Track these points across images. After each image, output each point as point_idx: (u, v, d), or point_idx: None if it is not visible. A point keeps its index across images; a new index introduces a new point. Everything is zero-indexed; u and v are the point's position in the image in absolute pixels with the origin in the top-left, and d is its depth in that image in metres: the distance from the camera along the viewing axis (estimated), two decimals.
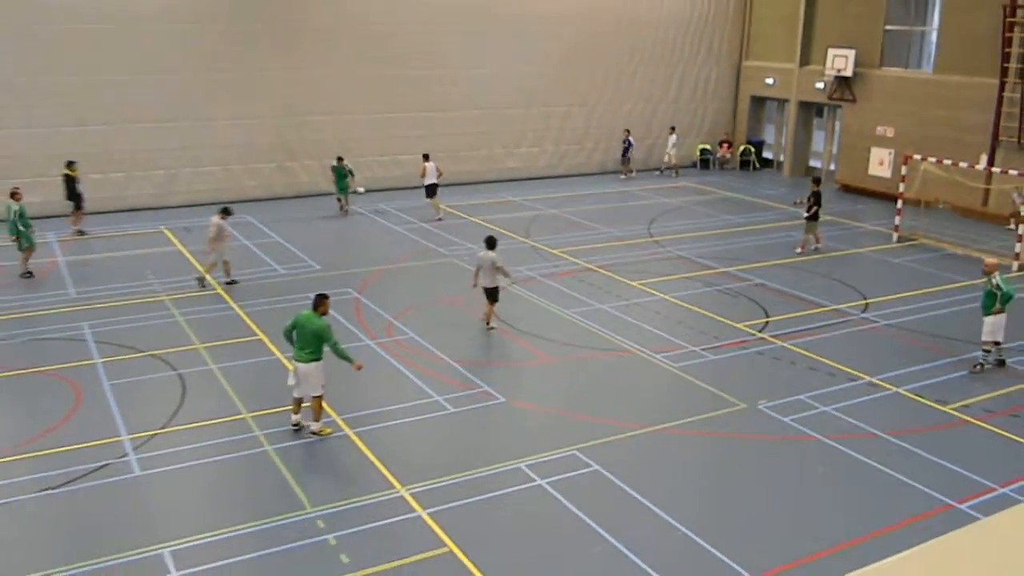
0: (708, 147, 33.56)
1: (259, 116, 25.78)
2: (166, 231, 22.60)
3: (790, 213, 24.58)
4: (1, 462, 11.10)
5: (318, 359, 11.66)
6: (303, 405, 11.95)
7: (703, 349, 15.19)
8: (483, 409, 12.84)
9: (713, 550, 9.47)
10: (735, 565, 9.19)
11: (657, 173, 31.50)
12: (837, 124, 30.90)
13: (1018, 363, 14.70)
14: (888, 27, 28.35)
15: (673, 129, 31.62)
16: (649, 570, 9.11)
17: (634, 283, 18.74)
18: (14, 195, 18.62)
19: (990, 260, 14.77)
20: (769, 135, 34.51)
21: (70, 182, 21.71)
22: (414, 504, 10.23)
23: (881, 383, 13.84)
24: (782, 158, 33.03)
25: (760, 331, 16.11)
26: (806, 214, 21.32)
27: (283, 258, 20.36)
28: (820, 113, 32.03)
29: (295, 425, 11.94)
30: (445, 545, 9.47)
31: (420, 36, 27.37)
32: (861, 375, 14.12)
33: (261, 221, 23.38)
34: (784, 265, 20.34)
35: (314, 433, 11.83)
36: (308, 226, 23.42)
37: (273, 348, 14.75)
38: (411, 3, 27.18)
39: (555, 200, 27.07)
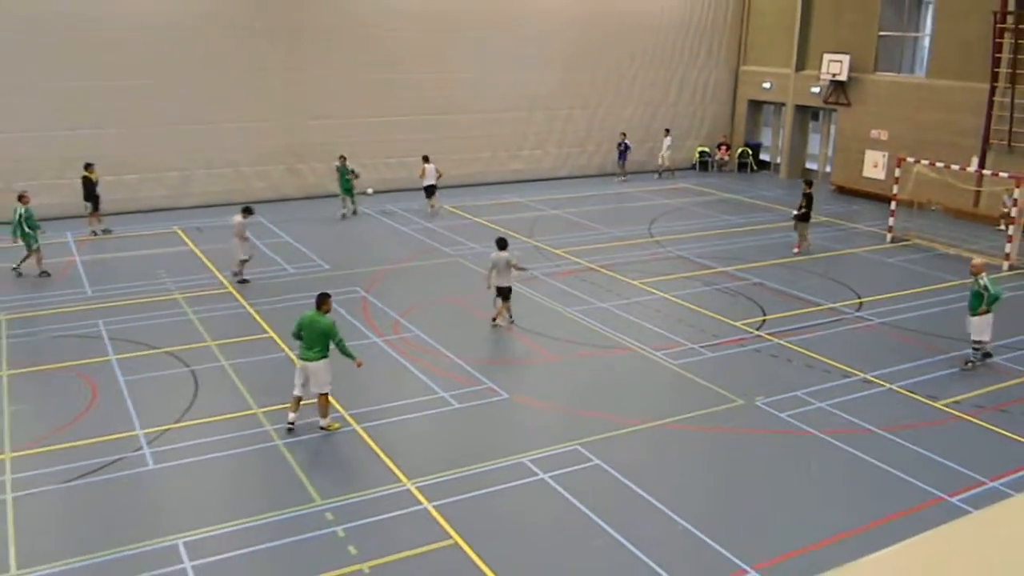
0: (707, 149, 33.79)
1: (269, 120, 26.10)
2: (179, 231, 22.86)
3: (787, 214, 24.78)
4: (23, 455, 11.38)
5: (326, 356, 11.88)
6: (301, 403, 12.04)
7: (702, 347, 15.41)
8: (487, 405, 13.04)
9: (712, 542, 9.66)
10: (733, 557, 9.38)
11: (656, 176, 31.71)
12: (832, 127, 31.17)
13: (1007, 360, 14.93)
14: (882, 33, 28.66)
15: (667, 131, 31.84)
16: (649, 562, 9.28)
17: (635, 282, 19.00)
18: (21, 198, 18.84)
19: (977, 261, 14.86)
20: (766, 138, 34.77)
21: (88, 184, 21.91)
22: (420, 497, 10.41)
23: (875, 379, 14.05)
24: (779, 160, 33.27)
25: (758, 329, 16.34)
26: (795, 213, 21.66)
27: (293, 257, 20.61)
28: (816, 117, 32.32)
29: (290, 424, 11.97)
30: (450, 537, 9.64)
31: (427, 42, 27.72)
32: (856, 372, 14.34)
33: (271, 221, 23.60)
34: (781, 265, 20.59)
35: (323, 428, 12.03)
36: (317, 226, 23.67)
37: (283, 345, 15.01)
38: (419, 10, 27.48)
39: (558, 201, 27.31)
